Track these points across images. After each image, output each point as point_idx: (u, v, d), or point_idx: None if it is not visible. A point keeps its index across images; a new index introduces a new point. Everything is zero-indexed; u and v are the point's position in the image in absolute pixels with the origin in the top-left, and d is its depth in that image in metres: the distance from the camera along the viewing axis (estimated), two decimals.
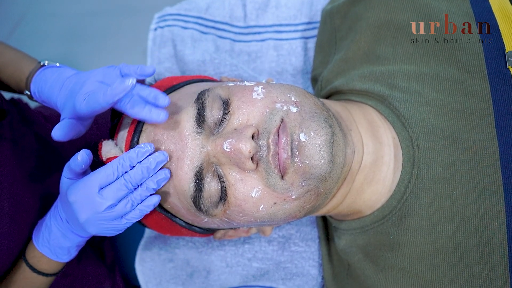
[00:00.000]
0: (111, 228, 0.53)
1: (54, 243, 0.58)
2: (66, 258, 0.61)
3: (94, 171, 0.51)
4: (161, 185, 0.52)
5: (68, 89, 0.55)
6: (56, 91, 0.56)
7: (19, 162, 0.63)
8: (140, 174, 0.50)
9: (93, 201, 0.50)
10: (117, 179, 0.50)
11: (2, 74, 0.65)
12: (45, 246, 0.59)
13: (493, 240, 0.50)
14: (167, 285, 0.78)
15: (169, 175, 0.51)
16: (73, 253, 0.61)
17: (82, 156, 0.51)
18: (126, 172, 0.50)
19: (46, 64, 0.62)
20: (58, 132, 0.52)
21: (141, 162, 0.50)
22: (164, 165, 0.51)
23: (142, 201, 0.52)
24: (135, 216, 0.52)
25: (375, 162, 0.58)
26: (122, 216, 0.52)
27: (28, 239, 0.63)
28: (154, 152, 0.51)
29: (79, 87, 0.53)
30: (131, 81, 0.47)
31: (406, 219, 0.55)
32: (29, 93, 0.61)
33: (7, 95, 0.68)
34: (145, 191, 0.51)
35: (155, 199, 0.52)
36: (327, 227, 0.73)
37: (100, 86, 0.51)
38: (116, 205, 0.51)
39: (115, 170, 0.50)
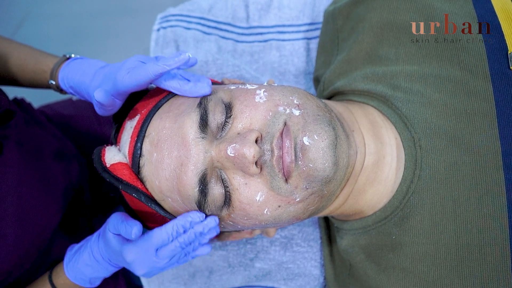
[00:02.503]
0: (164, 270, 0.60)
1: (93, 275, 0.63)
2: (98, 282, 0.66)
3: (150, 235, 0.55)
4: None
5: (103, 74, 0.57)
6: (88, 79, 0.59)
7: (25, 163, 0.63)
8: (193, 237, 0.54)
9: (150, 260, 0.55)
10: (171, 241, 0.54)
11: (20, 68, 0.67)
12: (82, 279, 0.64)
13: (495, 240, 0.50)
14: (169, 285, 0.78)
15: (219, 231, 0.56)
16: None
17: (135, 234, 0.53)
18: (179, 236, 0.54)
19: (73, 56, 0.66)
20: (101, 93, 0.53)
21: (194, 227, 0.53)
22: (170, 170, 0.52)
23: (194, 250, 0.57)
24: (187, 260, 0.59)
25: (377, 162, 0.58)
26: (174, 263, 0.58)
27: (37, 240, 0.64)
28: (205, 218, 0.53)
29: (118, 66, 0.55)
30: (188, 54, 0.50)
31: (408, 219, 0.55)
32: (54, 82, 0.65)
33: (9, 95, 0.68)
34: (197, 245, 0.57)
35: (206, 250, 0.58)
36: (329, 228, 0.73)
37: (146, 63, 0.53)
38: (171, 259, 0.56)
39: (170, 236, 0.54)
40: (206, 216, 0.53)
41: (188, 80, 0.55)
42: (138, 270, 0.57)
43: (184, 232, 0.54)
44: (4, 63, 0.67)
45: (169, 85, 0.54)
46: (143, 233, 0.56)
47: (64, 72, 0.63)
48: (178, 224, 0.53)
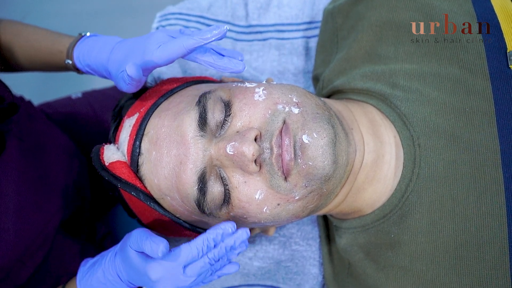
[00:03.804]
0: None
1: None
2: None
3: (178, 251, 0.52)
4: None
5: (125, 48, 0.55)
6: (105, 54, 0.57)
7: (26, 159, 0.63)
8: (223, 252, 0.52)
9: (177, 279, 0.52)
10: (201, 258, 0.52)
11: (38, 51, 0.66)
12: None
13: (494, 239, 0.50)
14: None
15: (248, 246, 0.53)
16: None
17: (162, 252, 0.50)
18: (209, 251, 0.52)
19: (88, 35, 0.63)
20: (133, 68, 0.51)
21: (224, 241, 0.51)
22: (169, 168, 0.51)
23: (221, 268, 0.54)
24: (212, 280, 0.55)
25: (376, 161, 0.58)
26: (199, 282, 0.54)
27: (38, 238, 0.63)
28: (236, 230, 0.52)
29: (144, 40, 0.53)
30: (226, 27, 0.48)
31: (407, 218, 0.55)
32: (70, 62, 0.63)
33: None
34: (225, 261, 0.54)
35: (234, 269, 0.55)
36: (328, 226, 0.73)
37: (176, 37, 0.51)
38: (197, 277, 0.53)
39: (200, 251, 0.51)
40: (237, 228, 0.52)
41: (222, 55, 0.52)
42: None
43: (215, 246, 0.52)
44: (23, 47, 0.66)
45: (203, 59, 0.51)
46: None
47: (79, 50, 0.61)
48: (209, 238, 0.51)
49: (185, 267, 0.52)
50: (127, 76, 0.52)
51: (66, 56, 0.63)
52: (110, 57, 0.56)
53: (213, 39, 0.48)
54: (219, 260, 0.53)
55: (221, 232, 0.51)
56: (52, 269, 0.71)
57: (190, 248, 0.51)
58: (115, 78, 0.56)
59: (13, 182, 0.60)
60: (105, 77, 0.60)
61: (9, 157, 0.60)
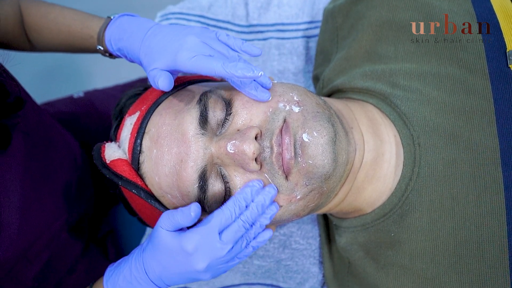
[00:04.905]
0: (224, 269, 0.53)
1: None
2: None
3: (211, 216, 0.50)
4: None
5: (157, 42, 0.53)
6: (137, 42, 0.55)
7: (30, 155, 0.62)
8: (256, 212, 0.50)
9: (214, 247, 0.50)
10: (234, 221, 0.50)
11: (66, 34, 0.65)
12: None
13: (494, 237, 0.51)
14: None
15: (278, 208, 0.52)
16: None
17: (195, 211, 0.49)
18: (241, 213, 0.50)
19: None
20: (166, 82, 0.51)
21: (254, 200, 0.50)
22: (169, 166, 0.51)
23: (254, 237, 0.53)
24: (247, 254, 0.53)
25: (375, 159, 0.58)
26: (235, 256, 0.52)
27: (43, 236, 0.63)
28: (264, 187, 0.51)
29: (180, 39, 0.52)
30: (261, 73, 0.48)
31: (407, 216, 0.55)
32: (102, 48, 0.62)
33: None
34: (258, 228, 0.52)
35: (268, 234, 0.53)
36: (328, 225, 0.73)
37: (215, 53, 0.51)
38: (234, 246, 0.51)
39: (233, 213, 0.50)
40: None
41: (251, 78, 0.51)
42: (199, 261, 0.50)
43: (246, 208, 0.50)
44: (51, 30, 0.65)
45: (232, 79, 0.51)
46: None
47: (111, 33, 0.60)
48: (239, 198, 0.50)
49: (220, 234, 0.50)
50: (157, 85, 0.52)
51: (97, 42, 0.62)
52: (141, 47, 0.55)
53: (243, 79, 0.48)
54: (252, 225, 0.51)
55: (249, 190, 0.50)
56: (53, 269, 0.71)
57: (222, 211, 0.50)
58: (145, 71, 0.55)
59: (18, 177, 0.60)
60: (134, 62, 0.58)
61: (14, 151, 0.59)
